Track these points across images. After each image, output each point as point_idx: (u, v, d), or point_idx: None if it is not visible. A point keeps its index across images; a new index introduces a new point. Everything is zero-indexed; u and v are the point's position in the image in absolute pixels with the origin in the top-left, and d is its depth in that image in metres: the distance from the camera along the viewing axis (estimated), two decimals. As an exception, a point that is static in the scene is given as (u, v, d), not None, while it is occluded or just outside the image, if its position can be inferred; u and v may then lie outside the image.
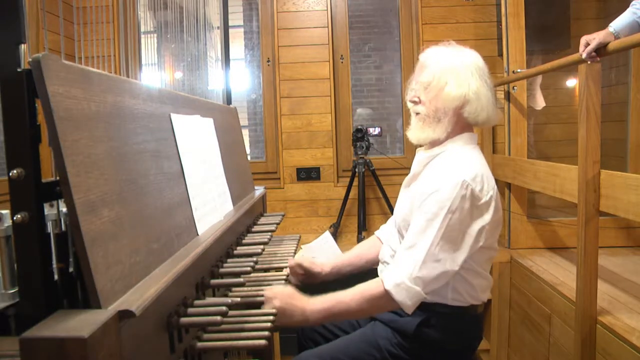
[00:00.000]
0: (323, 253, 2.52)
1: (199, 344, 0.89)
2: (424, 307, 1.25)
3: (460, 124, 1.30)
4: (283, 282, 1.27)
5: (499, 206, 1.24)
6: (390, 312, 1.31)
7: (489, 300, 2.44)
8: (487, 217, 1.19)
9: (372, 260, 1.53)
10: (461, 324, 1.28)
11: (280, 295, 1.17)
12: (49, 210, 0.74)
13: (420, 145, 1.39)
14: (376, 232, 1.59)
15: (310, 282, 1.48)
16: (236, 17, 3.10)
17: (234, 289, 1.19)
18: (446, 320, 1.26)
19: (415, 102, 1.33)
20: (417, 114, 1.32)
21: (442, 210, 1.16)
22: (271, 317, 1.03)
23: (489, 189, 1.20)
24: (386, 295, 1.17)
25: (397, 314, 1.29)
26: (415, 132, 1.33)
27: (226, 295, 1.17)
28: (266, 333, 0.95)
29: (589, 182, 1.54)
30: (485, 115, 1.27)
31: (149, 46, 2.96)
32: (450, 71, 1.26)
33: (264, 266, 1.39)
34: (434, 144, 1.32)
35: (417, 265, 1.16)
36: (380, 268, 1.44)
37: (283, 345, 2.51)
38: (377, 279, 1.24)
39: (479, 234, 1.19)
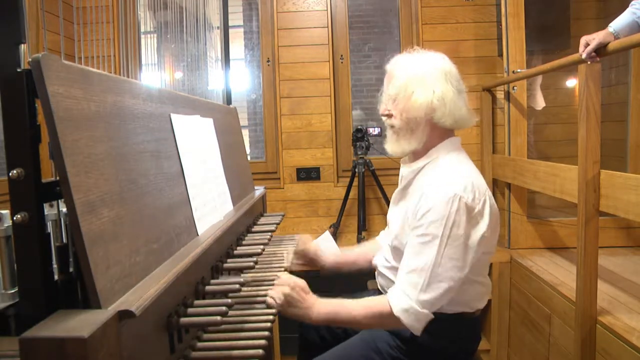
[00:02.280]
0: (323, 253, 2.52)
1: (194, 354, 0.89)
2: None
3: (438, 131, 1.27)
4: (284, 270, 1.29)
5: (494, 210, 1.21)
6: None
7: (489, 300, 2.44)
8: (483, 225, 1.17)
9: (371, 263, 1.53)
10: (459, 329, 1.28)
11: (294, 284, 1.18)
12: (49, 210, 0.74)
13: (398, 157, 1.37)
14: (377, 238, 1.59)
15: (310, 269, 1.52)
16: (236, 17, 3.10)
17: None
18: (444, 327, 1.25)
19: (387, 116, 1.31)
20: (392, 126, 1.30)
21: (439, 229, 1.14)
22: (270, 317, 1.03)
23: (480, 196, 1.18)
24: (395, 318, 1.17)
25: None
26: (391, 146, 1.31)
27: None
28: (266, 333, 0.95)
29: (589, 182, 1.54)
30: (451, 120, 1.24)
31: (149, 46, 2.95)
32: (415, 79, 1.24)
33: (264, 267, 1.39)
34: (416, 155, 1.30)
35: (422, 288, 1.14)
36: (378, 280, 1.43)
37: (283, 345, 2.51)
38: (383, 297, 1.21)
39: (479, 243, 1.17)
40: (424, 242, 1.16)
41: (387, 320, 1.18)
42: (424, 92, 1.23)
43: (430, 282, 1.14)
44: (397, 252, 1.28)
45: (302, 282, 1.21)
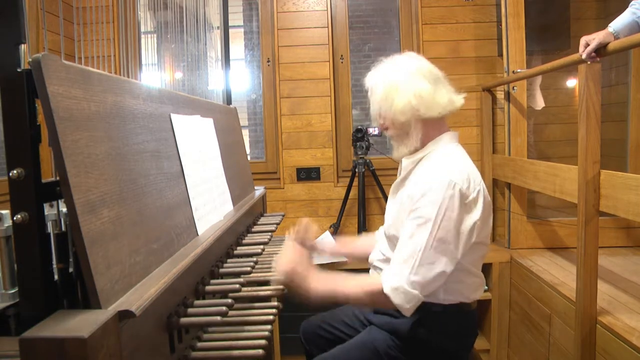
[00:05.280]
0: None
1: (194, 354, 0.89)
2: (417, 307, 1.26)
3: (431, 125, 1.31)
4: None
5: (487, 200, 1.25)
6: (385, 315, 1.33)
7: (489, 300, 2.44)
8: (476, 213, 1.21)
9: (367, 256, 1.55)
10: (455, 322, 1.29)
11: (295, 263, 1.23)
12: (49, 210, 0.74)
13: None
14: (375, 232, 1.60)
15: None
16: (236, 17, 3.10)
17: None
18: (440, 320, 1.27)
19: (384, 129, 1.37)
20: (391, 137, 1.36)
21: (433, 212, 1.17)
22: (271, 317, 1.03)
23: (475, 185, 1.22)
24: (385, 296, 1.19)
25: (392, 315, 1.31)
26: (395, 152, 1.37)
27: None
28: (266, 333, 0.95)
29: (589, 182, 1.54)
30: (437, 110, 1.28)
31: (149, 46, 2.95)
32: (390, 88, 1.29)
33: (264, 266, 1.39)
34: (414, 150, 1.34)
35: (413, 269, 1.17)
36: (370, 272, 1.44)
37: (283, 345, 2.51)
38: (378, 276, 1.25)
39: (471, 230, 1.20)
40: (418, 225, 1.19)
41: (378, 298, 1.21)
42: (401, 96, 1.28)
43: (421, 263, 1.17)
44: (393, 240, 1.30)
45: (301, 260, 1.25)
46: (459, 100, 1.33)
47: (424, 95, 1.27)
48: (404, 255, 1.19)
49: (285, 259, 1.24)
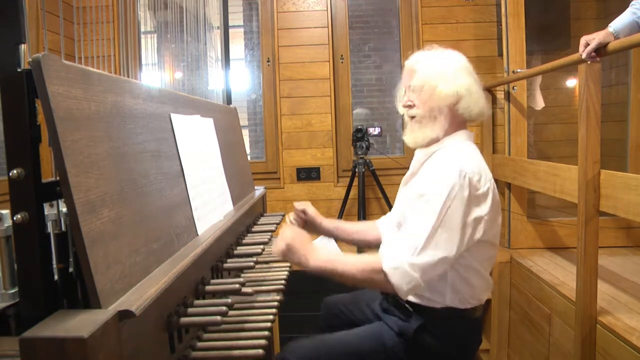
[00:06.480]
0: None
1: (194, 354, 0.89)
2: (422, 310, 1.27)
3: (456, 121, 1.32)
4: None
5: (497, 199, 1.25)
6: (393, 316, 1.33)
7: (489, 300, 2.44)
8: (484, 208, 1.21)
9: (366, 241, 1.59)
10: (460, 328, 1.29)
11: (296, 234, 1.27)
12: (49, 210, 0.74)
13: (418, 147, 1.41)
14: (376, 221, 1.62)
15: (308, 230, 1.55)
16: (236, 17, 3.10)
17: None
18: (445, 324, 1.28)
19: (409, 107, 1.35)
20: (413, 117, 1.35)
21: (441, 198, 1.17)
22: (271, 317, 1.03)
23: (486, 180, 1.22)
24: (383, 273, 1.18)
25: (400, 318, 1.31)
26: (413, 134, 1.35)
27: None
28: (266, 333, 0.95)
29: (589, 182, 1.54)
30: (478, 109, 1.31)
31: (149, 46, 2.95)
32: (439, 73, 1.30)
33: (264, 265, 1.39)
34: (431, 142, 1.34)
35: (416, 251, 1.17)
36: None
37: (283, 345, 2.51)
38: (378, 255, 1.25)
39: (477, 223, 1.20)
40: (425, 209, 1.19)
41: (377, 276, 1.19)
42: (448, 84, 1.29)
43: (424, 247, 1.17)
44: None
45: (302, 233, 1.29)
46: (489, 110, 1.37)
47: (473, 92, 1.30)
48: (408, 237, 1.20)
49: (284, 234, 1.26)
